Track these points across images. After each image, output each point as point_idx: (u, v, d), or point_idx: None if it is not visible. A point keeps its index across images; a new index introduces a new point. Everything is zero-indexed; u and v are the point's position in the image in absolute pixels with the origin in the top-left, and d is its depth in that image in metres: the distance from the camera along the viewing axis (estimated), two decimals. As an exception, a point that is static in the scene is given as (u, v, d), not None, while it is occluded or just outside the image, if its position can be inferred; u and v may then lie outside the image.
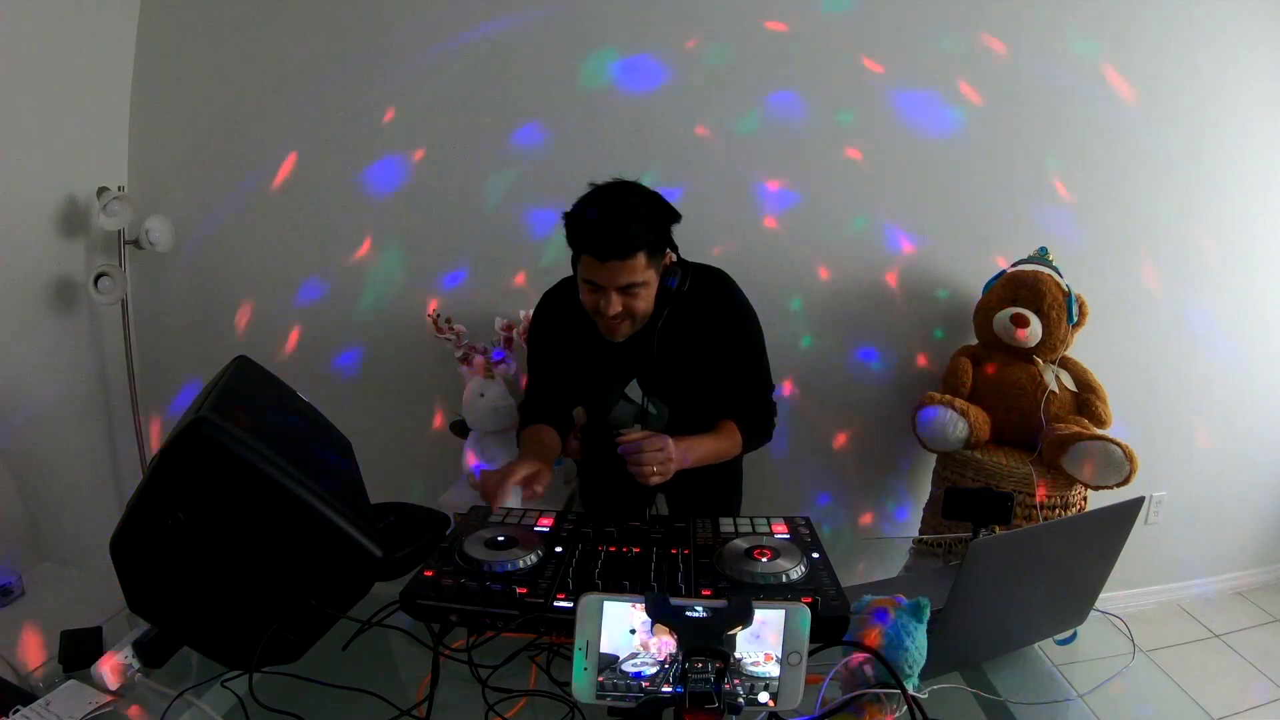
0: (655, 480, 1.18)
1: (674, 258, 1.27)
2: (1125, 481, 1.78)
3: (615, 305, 1.20)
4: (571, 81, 2.07)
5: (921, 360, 2.24)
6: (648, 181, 1.26)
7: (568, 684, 0.75)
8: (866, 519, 2.33)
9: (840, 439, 2.29)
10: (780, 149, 2.11)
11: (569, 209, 1.22)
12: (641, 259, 1.18)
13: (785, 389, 2.19)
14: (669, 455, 1.18)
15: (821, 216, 2.14)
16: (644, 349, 1.31)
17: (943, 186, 2.13)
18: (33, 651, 1.28)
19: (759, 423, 1.38)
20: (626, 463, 1.18)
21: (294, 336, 2.24)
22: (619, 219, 1.16)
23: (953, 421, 1.92)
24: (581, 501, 1.78)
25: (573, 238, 1.21)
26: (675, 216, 1.24)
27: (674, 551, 1.06)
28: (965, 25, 2.05)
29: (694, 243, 1.34)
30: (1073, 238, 2.12)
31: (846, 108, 2.08)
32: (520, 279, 2.16)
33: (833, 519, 2.32)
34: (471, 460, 1.95)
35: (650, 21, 2.05)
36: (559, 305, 1.36)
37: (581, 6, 2.05)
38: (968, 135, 2.09)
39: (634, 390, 1.38)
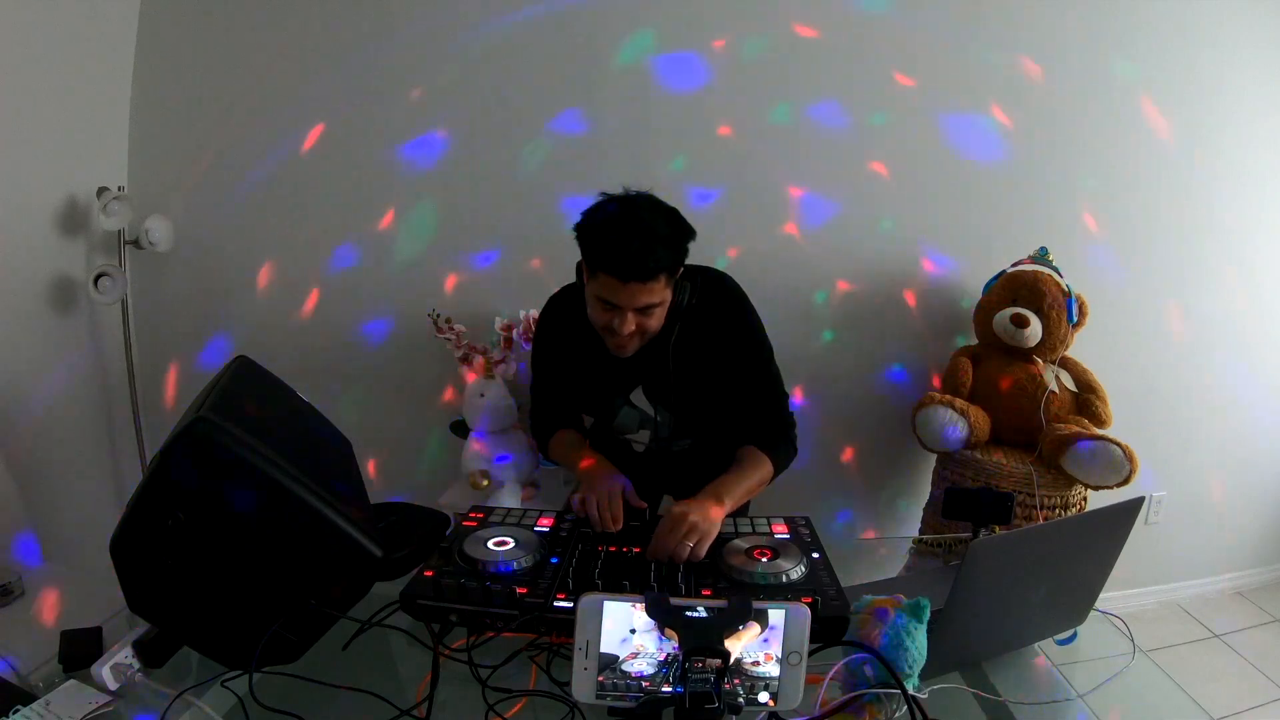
0: (701, 550, 1.05)
1: (681, 270, 1.24)
2: (1125, 481, 1.78)
3: (630, 325, 1.17)
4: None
5: (934, 368, 2.24)
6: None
7: (568, 684, 0.75)
8: (867, 519, 2.34)
9: (840, 439, 2.29)
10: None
11: (582, 220, 1.18)
12: (661, 280, 1.15)
13: (796, 394, 2.20)
14: (689, 525, 1.05)
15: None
16: (654, 361, 1.30)
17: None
18: (33, 651, 1.27)
19: (782, 440, 1.33)
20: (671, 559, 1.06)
21: (294, 337, 2.24)
22: (645, 242, 1.12)
23: (953, 421, 1.92)
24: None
25: (591, 255, 1.17)
26: (693, 234, 1.20)
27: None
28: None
29: (715, 242, 1.33)
30: (1081, 242, 2.13)
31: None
32: (537, 264, 2.16)
33: (833, 519, 2.32)
34: (475, 446, 1.95)
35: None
36: (566, 313, 1.34)
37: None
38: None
39: (638, 396, 1.38)
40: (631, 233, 1.13)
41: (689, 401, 1.35)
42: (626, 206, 1.17)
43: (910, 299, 2.19)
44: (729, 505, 1.16)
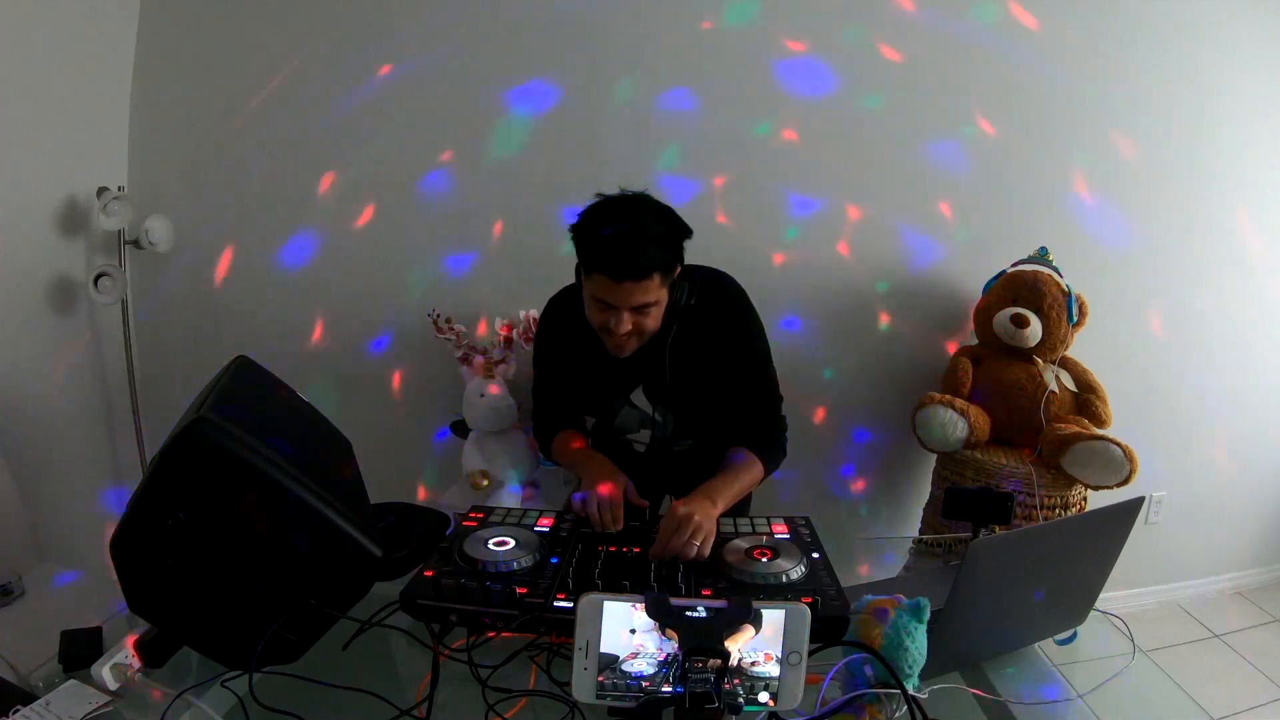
0: (706, 549, 1.06)
1: (679, 269, 1.24)
2: (1125, 481, 1.78)
3: (627, 325, 1.17)
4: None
5: (931, 365, 2.24)
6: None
7: (568, 684, 0.75)
8: (867, 519, 2.34)
9: (839, 438, 2.29)
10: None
11: (577, 221, 1.19)
12: (656, 279, 1.15)
13: (793, 395, 2.19)
14: (695, 524, 1.06)
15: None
16: (652, 361, 1.30)
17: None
18: (33, 651, 1.27)
19: (773, 442, 1.35)
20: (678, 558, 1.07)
21: (294, 337, 2.24)
22: (638, 241, 1.13)
23: (953, 421, 1.92)
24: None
25: (586, 255, 1.17)
26: (688, 233, 1.20)
27: (674, 551, 1.06)
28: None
29: (711, 243, 1.33)
30: (1075, 239, 2.12)
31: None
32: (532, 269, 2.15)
33: (833, 519, 2.32)
34: (474, 451, 1.95)
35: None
36: (565, 314, 1.34)
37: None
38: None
39: (639, 397, 1.38)
40: (624, 232, 1.13)
41: (687, 401, 1.35)
42: (620, 206, 1.18)
43: (904, 296, 2.19)
44: (721, 507, 1.18)
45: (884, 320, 2.20)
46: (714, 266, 1.36)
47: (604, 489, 1.16)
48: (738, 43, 2.06)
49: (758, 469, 1.30)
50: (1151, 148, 2.13)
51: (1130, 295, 2.19)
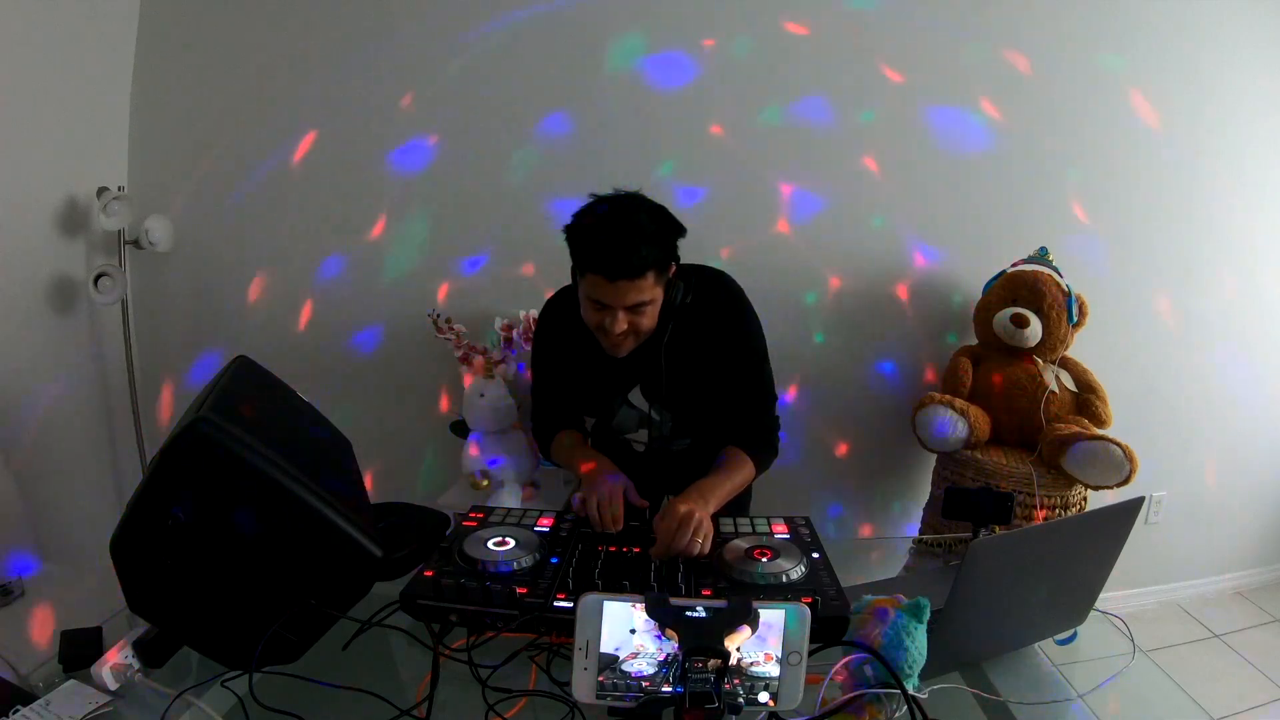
0: (708, 546, 1.06)
1: (675, 268, 1.24)
2: (1125, 481, 1.78)
3: (621, 324, 1.17)
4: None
5: (929, 366, 2.24)
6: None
7: (568, 684, 0.75)
8: (866, 519, 2.34)
9: (840, 439, 2.29)
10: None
11: (571, 222, 1.19)
12: (650, 278, 1.15)
13: (790, 392, 2.20)
14: (698, 521, 1.07)
15: (837, 222, 2.14)
16: (649, 361, 1.30)
17: (956, 196, 2.13)
18: (33, 651, 1.27)
19: (765, 442, 1.35)
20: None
21: (294, 337, 2.24)
22: (630, 239, 1.13)
23: (953, 421, 1.92)
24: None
25: (579, 255, 1.18)
26: (682, 231, 1.21)
27: (674, 551, 1.06)
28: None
29: (706, 241, 1.33)
30: (1076, 238, 2.12)
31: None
32: (530, 269, 2.16)
33: (833, 519, 2.32)
34: (474, 446, 1.95)
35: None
36: (563, 315, 1.34)
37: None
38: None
39: (637, 396, 1.38)
40: (617, 231, 1.14)
41: (685, 401, 1.35)
42: (612, 206, 1.18)
43: (903, 296, 2.19)
44: (715, 505, 1.18)
45: (885, 321, 2.20)
46: (713, 266, 1.36)
47: (604, 489, 1.16)
48: (738, 41, 2.06)
49: (749, 468, 1.31)
50: (1151, 148, 2.13)
51: (1130, 295, 2.19)
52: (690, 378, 1.32)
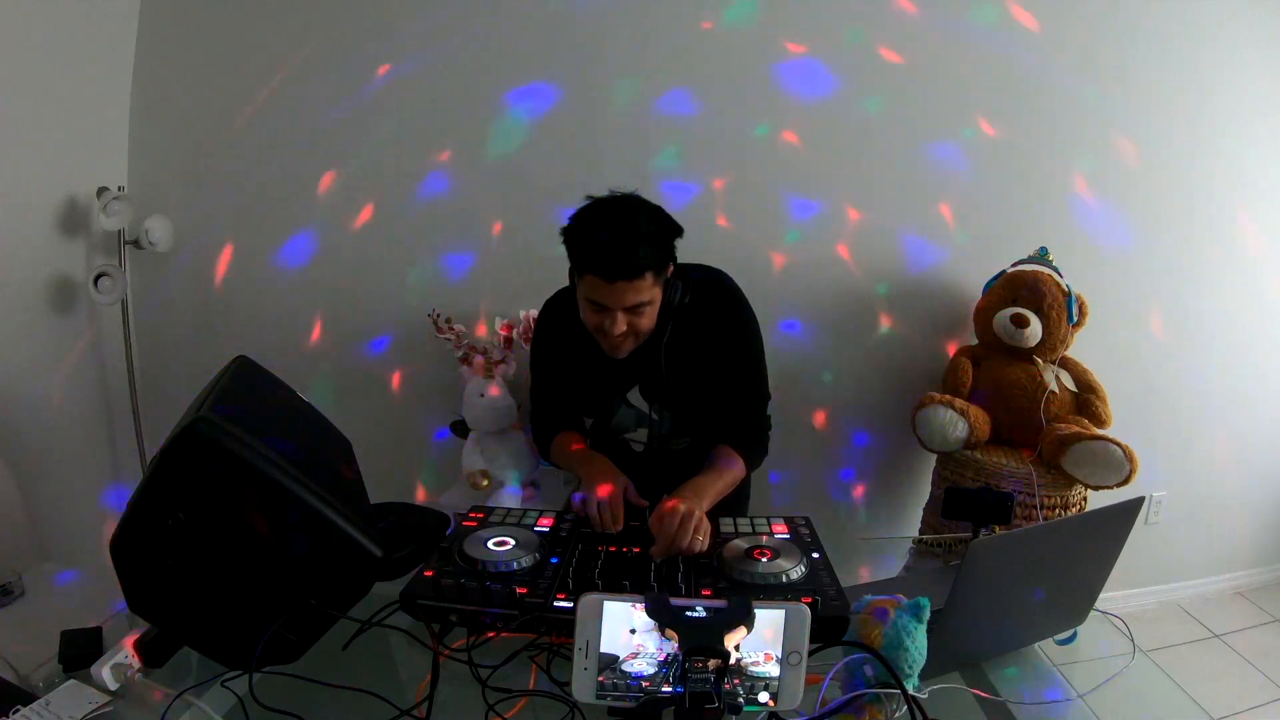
0: (707, 542, 1.07)
1: (673, 268, 1.25)
2: (1125, 481, 1.78)
3: (621, 325, 1.18)
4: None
5: (929, 366, 2.23)
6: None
7: (568, 684, 0.75)
8: (867, 519, 2.33)
9: (841, 439, 2.29)
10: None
11: (568, 224, 1.19)
12: (649, 279, 1.16)
13: (791, 393, 2.20)
14: (698, 519, 1.07)
15: (837, 223, 2.14)
16: (648, 361, 1.30)
17: (956, 196, 2.13)
18: (33, 651, 1.27)
19: (755, 441, 1.36)
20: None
21: (294, 337, 2.24)
22: (627, 240, 1.13)
23: (953, 421, 1.92)
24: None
25: (577, 257, 1.18)
26: (679, 231, 1.21)
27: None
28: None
29: (707, 242, 1.33)
30: (1076, 238, 2.12)
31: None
32: (530, 269, 2.15)
33: (833, 519, 2.32)
34: (474, 451, 1.95)
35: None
36: (561, 316, 1.35)
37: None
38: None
39: (636, 396, 1.38)
40: (614, 232, 1.14)
41: (684, 400, 1.36)
42: (609, 207, 1.19)
43: (904, 296, 2.19)
44: (708, 503, 1.19)
45: (884, 322, 2.20)
46: (711, 266, 1.36)
47: (603, 489, 1.17)
48: (738, 43, 2.06)
49: (741, 466, 1.31)
50: (1151, 148, 2.13)
51: (1130, 295, 2.19)
52: (689, 377, 1.32)
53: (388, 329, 2.23)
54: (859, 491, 2.32)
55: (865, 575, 1.16)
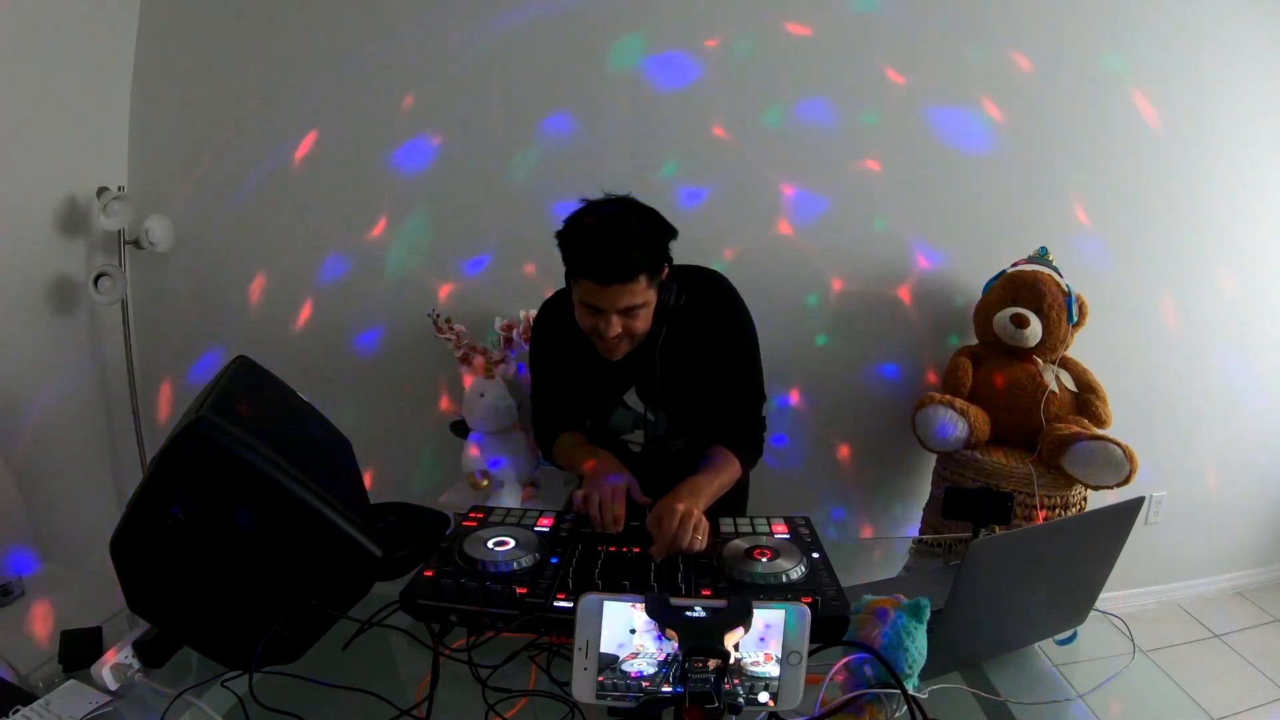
0: (705, 541, 1.08)
1: (667, 270, 1.25)
2: (1125, 481, 1.78)
3: (616, 328, 1.18)
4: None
5: (930, 366, 2.24)
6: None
7: (568, 684, 0.75)
8: (867, 519, 2.33)
9: (841, 439, 2.29)
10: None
11: (562, 228, 1.20)
12: (642, 281, 1.16)
13: (792, 393, 2.20)
14: (697, 518, 1.08)
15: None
16: (644, 362, 1.30)
17: (957, 197, 2.13)
18: (33, 651, 1.27)
19: (751, 442, 1.36)
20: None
21: (294, 337, 2.24)
22: (621, 242, 1.14)
23: (953, 421, 1.92)
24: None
25: (571, 260, 1.19)
26: (673, 233, 1.22)
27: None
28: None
29: (709, 243, 1.32)
30: (1076, 238, 2.12)
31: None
32: (530, 269, 2.16)
33: (834, 519, 2.32)
34: (474, 446, 1.95)
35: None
36: (558, 317, 1.35)
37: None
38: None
39: (632, 397, 1.38)
40: (608, 235, 1.15)
41: (680, 401, 1.36)
42: (602, 210, 1.19)
43: (904, 297, 2.19)
44: (705, 503, 1.19)
45: (885, 321, 2.20)
46: (710, 267, 1.36)
47: (605, 489, 1.17)
48: (740, 41, 2.05)
49: (736, 466, 1.31)
50: (1152, 148, 2.13)
51: (1130, 295, 2.19)
52: (685, 379, 1.32)
53: (388, 329, 2.23)
54: (859, 492, 2.32)
55: (865, 575, 1.16)
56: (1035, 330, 1.96)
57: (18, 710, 0.80)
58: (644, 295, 1.18)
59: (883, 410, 2.25)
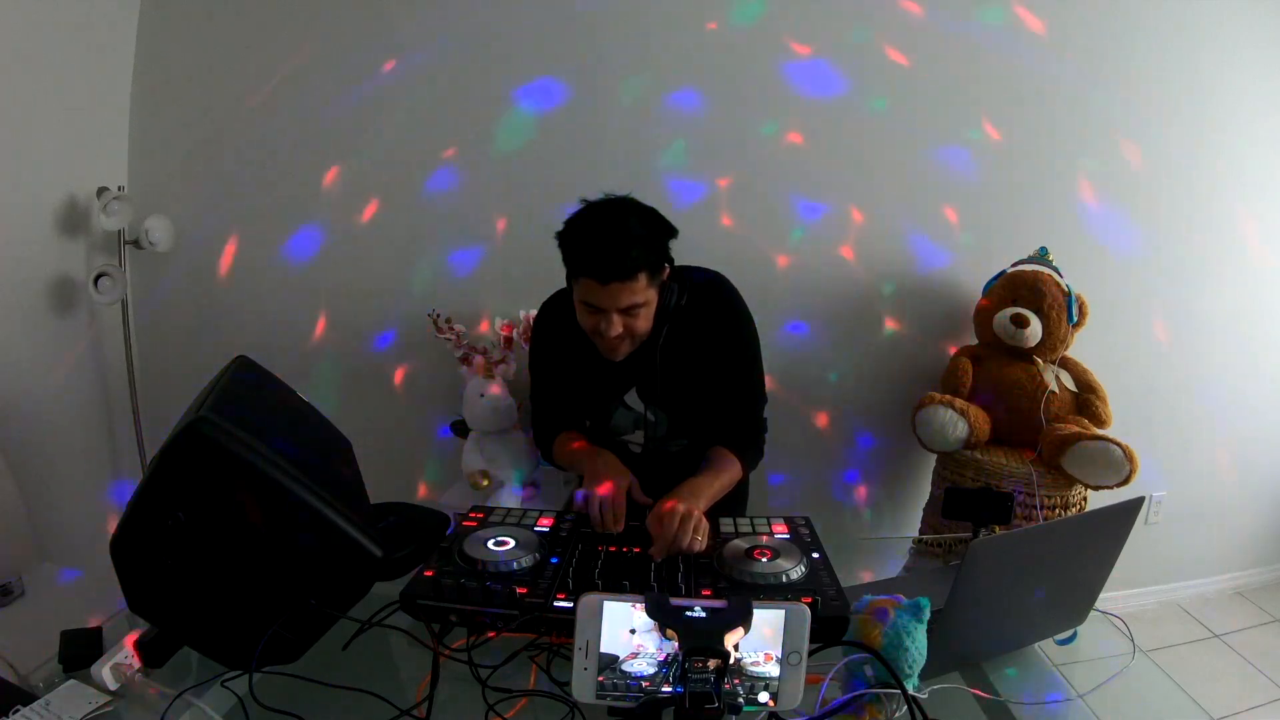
0: (705, 541, 1.08)
1: (668, 270, 1.25)
2: (1125, 481, 1.78)
3: (616, 327, 1.18)
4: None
5: (930, 366, 2.23)
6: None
7: (568, 684, 0.75)
8: (867, 519, 2.33)
9: (841, 439, 2.29)
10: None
11: (562, 228, 1.20)
12: (643, 280, 1.16)
13: (792, 393, 2.20)
14: (697, 518, 1.08)
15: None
16: (644, 363, 1.30)
17: (957, 197, 2.13)
18: (33, 651, 1.27)
19: (751, 443, 1.36)
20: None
21: (294, 336, 2.24)
22: (621, 241, 1.14)
23: (953, 421, 1.91)
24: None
25: (571, 260, 1.19)
26: (673, 232, 1.22)
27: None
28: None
29: (710, 243, 1.32)
30: (1076, 238, 2.12)
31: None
32: (530, 269, 2.15)
33: (834, 519, 2.32)
34: (474, 451, 1.95)
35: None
36: (558, 317, 1.35)
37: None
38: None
39: (633, 398, 1.38)
40: (608, 234, 1.15)
41: (680, 402, 1.36)
42: (602, 210, 1.20)
43: (904, 296, 2.19)
44: (705, 504, 1.19)
45: (888, 323, 2.20)
46: (715, 268, 1.36)
47: (605, 489, 1.17)
48: (744, 43, 2.06)
49: (737, 468, 1.31)
50: (1153, 149, 2.12)
51: (1131, 295, 2.19)
52: (686, 379, 1.32)
53: (388, 329, 2.23)
54: (860, 492, 2.32)
55: (865, 575, 1.16)
56: (1035, 330, 1.96)
57: (18, 710, 0.80)
58: (644, 294, 1.18)
59: (884, 411, 2.24)
